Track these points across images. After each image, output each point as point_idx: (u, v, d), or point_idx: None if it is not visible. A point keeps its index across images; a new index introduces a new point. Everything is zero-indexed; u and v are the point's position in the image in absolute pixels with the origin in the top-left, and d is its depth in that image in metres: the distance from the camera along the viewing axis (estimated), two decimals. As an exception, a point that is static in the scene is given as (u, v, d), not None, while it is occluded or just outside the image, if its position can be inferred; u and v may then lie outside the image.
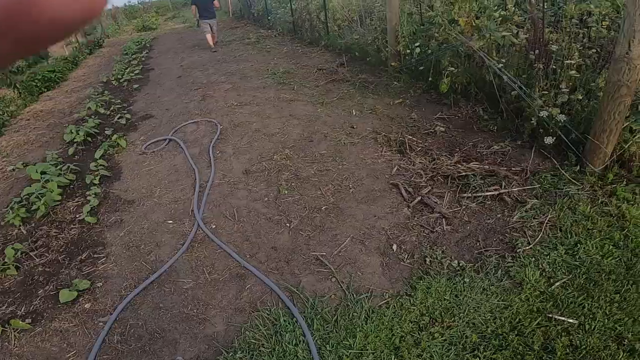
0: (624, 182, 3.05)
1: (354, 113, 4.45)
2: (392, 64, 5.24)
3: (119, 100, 6.10)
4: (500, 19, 4.00)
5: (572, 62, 3.32)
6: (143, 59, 9.99)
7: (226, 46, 9.79)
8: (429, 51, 4.62)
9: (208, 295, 2.45)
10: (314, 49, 7.66)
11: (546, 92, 3.42)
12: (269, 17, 11.60)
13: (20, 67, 10.39)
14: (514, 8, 4.19)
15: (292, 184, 3.34)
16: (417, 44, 4.74)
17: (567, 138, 3.27)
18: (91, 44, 15.04)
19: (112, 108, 5.72)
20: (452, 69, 4.24)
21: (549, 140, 3.28)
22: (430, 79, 4.64)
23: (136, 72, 8.10)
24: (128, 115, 5.31)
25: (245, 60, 7.55)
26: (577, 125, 3.37)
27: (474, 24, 4.12)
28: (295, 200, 3.17)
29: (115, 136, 4.59)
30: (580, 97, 3.35)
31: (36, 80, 8.05)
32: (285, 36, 9.69)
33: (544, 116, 3.27)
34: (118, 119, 5.24)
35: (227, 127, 4.52)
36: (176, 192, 3.50)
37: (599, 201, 2.90)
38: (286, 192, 3.27)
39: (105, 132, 4.81)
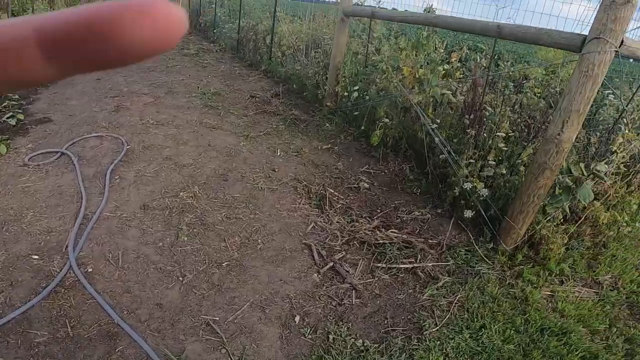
0: (531, 264, 3.08)
1: (279, 153, 4.17)
2: (328, 104, 5.09)
3: (17, 96, 5.30)
4: (443, 72, 4.01)
5: (502, 134, 3.33)
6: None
7: (162, 54, 9.18)
8: (367, 97, 4.53)
9: (66, 353, 2.00)
10: (252, 72, 7.36)
11: (473, 162, 3.39)
12: (215, 30, 11.17)
13: None
14: (458, 64, 4.22)
15: (195, 229, 2.95)
16: (356, 88, 4.63)
17: (485, 213, 3.24)
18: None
19: (5, 104, 4.93)
20: (387, 120, 4.15)
21: (468, 214, 3.23)
22: (363, 127, 4.53)
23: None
24: (21, 116, 4.58)
25: (177, 73, 7.04)
26: (496, 200, 3.36)
27: (416, 76, 4.08)
28: (195, 250, 2.78)
29: (-5, 139, 3.89)
30: (504, 172, 3.35)
31: None
32: (226, 53, 9.32)
33: (467, 188, 3.22)
34: (8, 118, 4.49)
35: (135, 148, 4.02)
36: (53, 219, 2.95)
37: (507, 282, 2.89)
38: (185, 238, 2.86)
39: (-14, 132, 4.08)
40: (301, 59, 6.68)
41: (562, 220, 3.17)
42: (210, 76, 6.91)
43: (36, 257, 2.61)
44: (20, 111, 4.79)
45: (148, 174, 3.56)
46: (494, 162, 3.38)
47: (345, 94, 4.79)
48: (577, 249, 3.23)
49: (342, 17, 4.79)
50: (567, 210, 3.09)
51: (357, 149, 4.46)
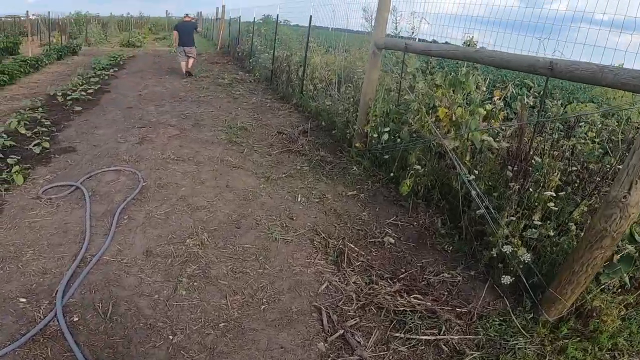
0: (578, 338, 2.62)
1: (299, 199, 3.92)
2: (357, 144, 4.84)
3: (49, 122, 5.40)
4: (483, 114, 3.66)
5: (551, 193, 2.93)
6: (106, 77, 9.40)
7: (197, 82, 9.35)
8: (399, 139, 4.25)
9: None
10: (283, 105, 7.28)
11: (515, 220, 3.00)
12: (251, 60, 11.36)
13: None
14: (501, 104, 3.85)
15: (195, 283, 2.71)
16: (386, 129, 4.37)
17: (527, 279, 2.82)
18: (65, 49, 14.36)
19: (35, 130, 5.02)
20: (418, 167, 3.84)
21: (506, 280, 2.82)
22: (392, 173, 4.23)
23: (90, 91, 7.46)
24: (47, 144, 4.61)
25: (208, 104, 7.07)
26: (541, 264, 2.94)
27: (453, 118, 3.78)
28: (192, 306, 2.53)
29: (16, 168, 3.89)
30: (552, 234, 2.94)
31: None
32: (260, 84, 9.37)
33: (507, 252, 2.83)
34: (34, 145, 4.53)
35: (151, 185, 3.90)
36: (51, 260, 2.80)
37: (547, 359, 2.44)
38: (184, 292, 2.63)
39: (10, 159, 4.09)
40: (332, 93, 6.54)
41: (618, 289, 2.71)
42: (240, 108, 6.88)
43: (24, 300, 2.45)
44: (48, 138, 4.85)
45: (158, 216, 3.39)
46: (539, 223, 2.98)
47: (375, 135, 4.54)
48: (635, 319, 2.74)
49: (374, 49, 4.57)
50: (627, 280, 2.64)
51: (385, 196, 4.15)
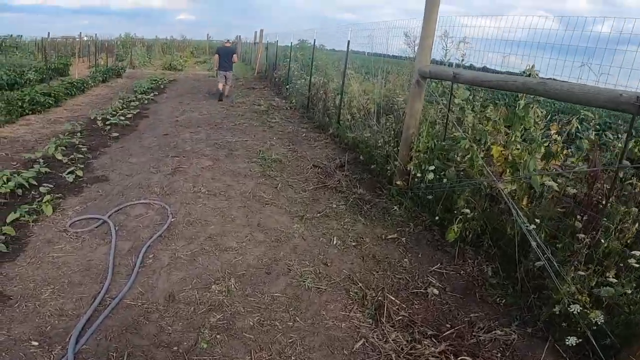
0: None
1: (335, 242, 3.67)
2: (398, 182, 4.57)
3: (86, 148, 5.47)
4: (543, 152, 3.32)
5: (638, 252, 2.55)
6: (146, 101, 9.64)
7: (233, 108, 9.41)
8: (445, 179, 3.95)
9: None
10: (319, 135, 7.13)
11: (584, 275, 2.63)
12: (287, 86, 11.40)
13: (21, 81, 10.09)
14: (562, 143, 3.47)
15: (218, 335, 2.49)
16: (431, 167, 4.09)
17: (597, 340, 2.44)
18: (110, 72, 15.02)
19: (72, 156, 5.06)
20: (467, 211, 3.53)
21: (572, 341, 2.44)
22: (437, 215, 3.93)
23: (128, 116, 7.61)
24: (80, 172, 4.62)
25: (243, 132, 7.02)
26: (614, 324, 2.54)
27: (509, 158, 3.46)
28: (212, 364, 2.32)
29: (47, 197, 3.87)
30: (630, 291, 2.55)
31: (22, 101, 7.57)
32: (296, 111, 9.31)
33: (575, 311, 2.46)
34: (67, 173, 4.55)
35: (180, 221, 3.77)
36: (69, 300, 2.67)
37: None
38: (205, 345, 2.41)
39: (42, 188, 4.09)
40: (371, 124, 6.33)
41: None
42: (276, 138, 6.78)
43: (36, 343, 2.31)
44: (83, 166, 4.87)
45: (184, 257, 3.23)
46: (615, 280, 2.60)
47: (419, 173, 4.27)
48: None
49: (418, 78, 4.32)
50: None
51: (429, 240, 3.84)
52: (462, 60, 4.59)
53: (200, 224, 3.77)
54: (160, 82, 13.78)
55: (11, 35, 19.31)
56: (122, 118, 7.29)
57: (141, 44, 27.06)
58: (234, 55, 11.47)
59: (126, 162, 5.15)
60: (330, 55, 12.40)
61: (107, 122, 6.88)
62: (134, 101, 9.40)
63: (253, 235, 3.65)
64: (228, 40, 12.70)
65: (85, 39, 24.18)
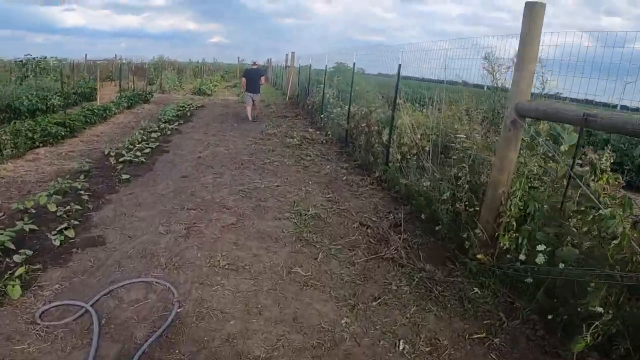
0: None
1: (401, 346, 2.61)
2: (478, 255, 3.47)
3: (88, 196, 4.62)
4: None
5: None
6: (169, 132, 8.91)
7: (263, 141, 8.54)
8: (561, 264, 2.84)
9: None
10: (363, 178, 6.10)
11: None
12: (322, 115, 10.50)
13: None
14: None
15: None
16: (541, 248, 2.97)
17: None
18: (137, 97, 14.60)
19: (68, 207, 4.21)
20: (600, 309, 2.43)
21: None
22: (537, 301, 2.81)
23: (146, 151, 6.82)
24: (72, 232, 3.74)
25: (274, 174, 6.07)
26: None
27: None
28: None
29: (20, 270, 2.99)
30: None
31: (32, 132, 6.93)
32: (333, 146, 8.33)
33: None
34: (56, 233, 3.68)
35: (189, 313, 2.79)
36: None
37: None
38: None
39: (17, 256, 3.22)
40: (428, 169, 5.28)
41: None
42: (312, 182, 5.79)
43: None
44: (79, 221, 4.00)
45: (188, 383, 2.23)
46: None
47: (512, 246, 3.18)
48: None
49: (514, 118, 3.19)
50: None
51: (530, 339, 2.72)
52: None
53: (215, 318, 2.77)
54: (187, 109, 13.18)
55: (45, 57, 19.36)
56: (139, 154, 6.50)
57: (172, 67, 26.99)
58: (262, 77, 11.82)
59: (132, 217, 4.25)
60: (366, 80, 11.49)
61: (121, 160, 6.09)
62: (155, 131, 8.69)
63: (287, 337, 2.61)
64: (255, 63, 12.91)
65: (124, 61, 24.52)
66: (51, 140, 7.06)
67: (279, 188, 5.40)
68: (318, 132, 9.76)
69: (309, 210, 4.63)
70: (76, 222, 3.94)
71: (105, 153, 6.51)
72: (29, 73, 17.12)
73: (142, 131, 8.57)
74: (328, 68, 11.57)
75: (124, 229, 3.98)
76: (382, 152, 6.25)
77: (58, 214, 4.11)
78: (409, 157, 5.84)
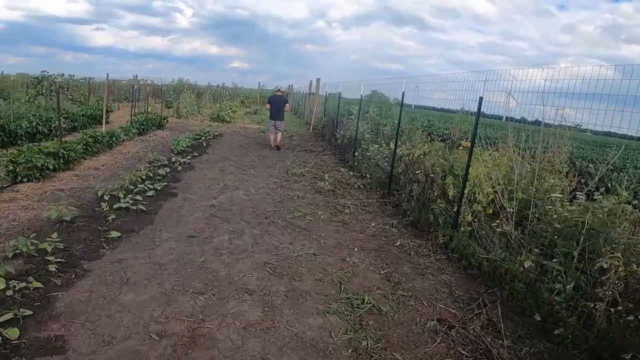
0: None
1: None
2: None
3: (58, 265, 3.46)
4: None
5: None
6: (180, 167, 7.81)
7: (290, 184, 7.35)
8: None
9: None
10: (422, 243, 4.83)
11: None
12: (356, 154, 9.32)
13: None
14: None
15: None
16: None
17: None
18: (150, 122, 13.71)
19: (23, 285, 3.05)
20: None
21: None
22: None
23: (149, 194, 5.69)
24: (15, 332, 2.55)
25: (306, 233, 4.84)
26: None
27: None
28: None
29: None
30: None
31: (14, 164, 5.88)
32: (373, 193, 7.08)
33: None
34: (-7, 337, 2.49)
35: None
36: None
37: None
38: None
39: None
40: (515, 237, 4.06)
41: None
42: (358, 248, 4.54)
43: None
44: (36, 306, 2.83)
45: None
46: None
47: None
48: None
49: None
50: None
51: None
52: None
53: None
54: (203, 138, 12.20)
55: (62, 75, 18.85)
56: (139, 198, 5.36)
57: (190, 91, 26.36)
58: (286, 105, 11.52)
59: (113, 303, 3.05)
60: (413, 114, 10.41)
61: (115, 207, 4.95)
62: (164, 166, 7.60)
63: None
64: (279, 89, 12.67)
65: (146, 81, 24.23)
66: (37, 174, 5.99)
67: (317, 258, 4.15)
68: (352, 174, 8.56)
69: (362, 298, 3.36)
70: (27, 312, 2.76)
71: (98, 195, 5.39)
72: (44, 91, 16.54)
73: (148, 165, 7.50)
74: (364, 98, 10.48)
75: (99, 325, 2.77)
76: (447, 209, 5.00)
77: (8, 293, 2.95)
78: (483, 218, 4.60)
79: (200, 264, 3.76)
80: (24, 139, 9.33)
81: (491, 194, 4.61)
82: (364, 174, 8.06)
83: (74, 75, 18.37)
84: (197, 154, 9.58)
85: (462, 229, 4.59)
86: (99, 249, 3.88)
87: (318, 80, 21.44)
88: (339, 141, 11.96)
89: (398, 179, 6.66)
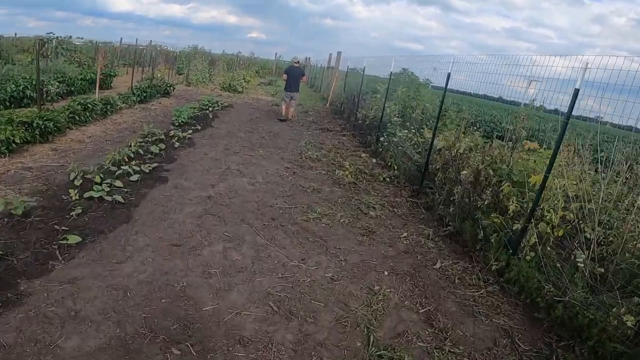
0: None
1: None
2: None
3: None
4: None
5: None
6: (176, 145, 6.87)
7: (303, 171, 6.38)
8: None
9: None
10: (467, 267, 3.87)
11: None
12: (381, 139, 8.28)
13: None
14: None
15: None
16: None
17: None
18: (154, 89, 12.77)
19: None
20: None
21: None
22: None
23: (133, 178, 4.79)
24: None
25: (322, 244, 3.91)
26: None
27: None
28: None
29: None
30: None
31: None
32: (401, 189, 6.08)
33: None
34: None
35: None
36: None
37: None
38: None
39: None
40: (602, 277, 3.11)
41: None
42: (388, 271, 3.60)
43: None
44: None
45: None
46: None
47: None
48: None
49: None
50: None
51: None
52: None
53: None
54: (210, 109, 11.23)
55: (70, 37, 18.00)
56: (119, 185, 4.47)
57: (203, 58, 25.18)
58: (303, 77, 11.65)
59: (47, 354, 2.17)
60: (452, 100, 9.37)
61: (85, 195, 4.06)
62: (160, 141, 6.69)
63: None
64: (297, 61, 12.34)
65: (165, 47, 23.61)
66: (4, 149, 5.10)
67: (336, 285, 3.22)
68: (374, 161, 7.57)
69: (399, 357, 2.45)
70: None
71: (71, 179, 4.50)
72: (49, 53, 15.67)
73: (141, 140, 6.59)
74: (387, 76, 9.35)
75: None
76: (503, 227, 4.00)
77: None
78: (551, 242, 3.63)
79: (181, 290, 2.86)
80: (7, 103, 8.49)
81: (563, 211, 3.61)
82: (390, 164, 7.06)
83: (82, 38, 17.51)
84: (200, 128, 8.63)
85: (525, 254, 3.61)
86: (49, 260, 2.99)
87: (339, 53, 20.25)
88: (359, 121, 10.91)
89: (433, 175, 5.66)
